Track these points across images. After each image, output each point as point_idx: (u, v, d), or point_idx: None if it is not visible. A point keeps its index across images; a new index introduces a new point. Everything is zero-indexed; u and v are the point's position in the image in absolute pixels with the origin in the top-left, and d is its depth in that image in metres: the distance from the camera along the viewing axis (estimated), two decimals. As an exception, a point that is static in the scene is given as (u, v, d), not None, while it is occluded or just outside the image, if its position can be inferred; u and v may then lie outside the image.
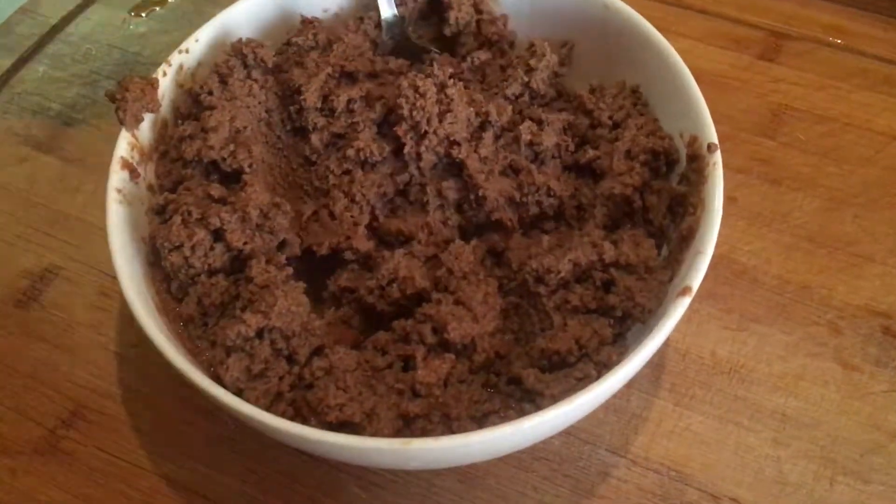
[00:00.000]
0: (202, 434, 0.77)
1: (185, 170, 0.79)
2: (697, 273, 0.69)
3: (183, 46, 0.84)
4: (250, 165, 0.78)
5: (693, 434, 0.76)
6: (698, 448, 0.75)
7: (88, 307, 0.89)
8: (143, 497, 0.73)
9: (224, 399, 0.64)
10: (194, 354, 0.72)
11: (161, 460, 0.76)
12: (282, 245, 0.76)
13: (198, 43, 0.86)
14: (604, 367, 0.69)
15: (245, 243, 0.70)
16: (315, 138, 0.82)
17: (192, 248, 0.70)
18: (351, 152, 0.75)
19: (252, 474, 0.77)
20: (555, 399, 0.66)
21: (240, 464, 0.75)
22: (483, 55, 0.87)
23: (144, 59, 1.08)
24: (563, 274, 0.72)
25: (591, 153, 0.81)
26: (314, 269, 0.75)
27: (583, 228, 0.79)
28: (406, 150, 0.75)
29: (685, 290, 0.68)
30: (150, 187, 0.80)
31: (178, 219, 0.73)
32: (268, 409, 0.66)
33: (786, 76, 1.05)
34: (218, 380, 0.67)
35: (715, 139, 0.75)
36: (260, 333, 0.65)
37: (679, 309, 0.67)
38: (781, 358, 0.83)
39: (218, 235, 0.70)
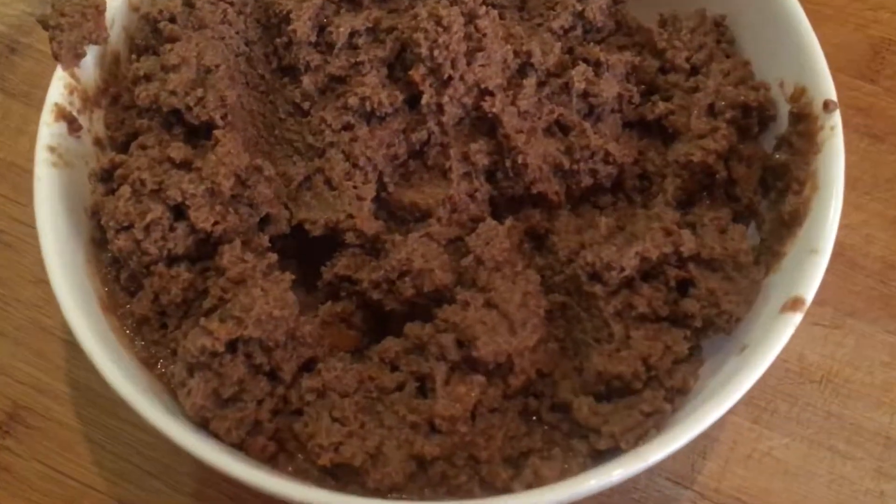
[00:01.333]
0: (168, 448, 0.64)
1: (141, 120, 0.62)
2: (810, 281, 0.53)
3: (138, -43, 0.66)
4: (223, 116, 0.62)
5: (775, 461, 0.65)
6: (782, 479, 0.64)
7: (33, 281, 0.74)
8: (93, 524, 0.63)
9: (179, 439, 0.51)
10: (149, 366, 0.58)
11: (117, 479, 0.65)
12: (264, 221, 0.61)
13: (158, -48, 0.67)
14: (677, 394, 0.56)
15: (215, 223, 0.58)
16: (308, 81, 0.65)
17: (146, 228, 0.57)
18: (353, 101, 0.62)
19: (228, 500, 0.65)
20: (614, 438, 0.53)
21: (213, 487, 0.65)
22: (523, -27, 0.69)
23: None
24: (627, 271, 0.57)
25: (661, 107, 0.65)
26: (306, 248, 0.63)
27: (648, 204, 0.64)
28: (424, 100, 0.61)
29: (795, 304, 0.52)
30: (97, 142, 0.65)
31: (126, 190, 0.57)
32: (242, 443, 0.54)
33: (889, 3, 0.86)
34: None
35: (833, 94, 0.58)
36: (232, 346, 0.53)
37: (786, 329, 0.52)
38: (886, 365, 0.69)
39: (180, 212, 0.57)
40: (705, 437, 0.65)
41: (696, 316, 0.56)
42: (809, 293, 0.52)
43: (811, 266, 0.53)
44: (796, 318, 0.52)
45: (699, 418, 0.50)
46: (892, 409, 0.66)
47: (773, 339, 0.51)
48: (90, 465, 0.66)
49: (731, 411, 0.64)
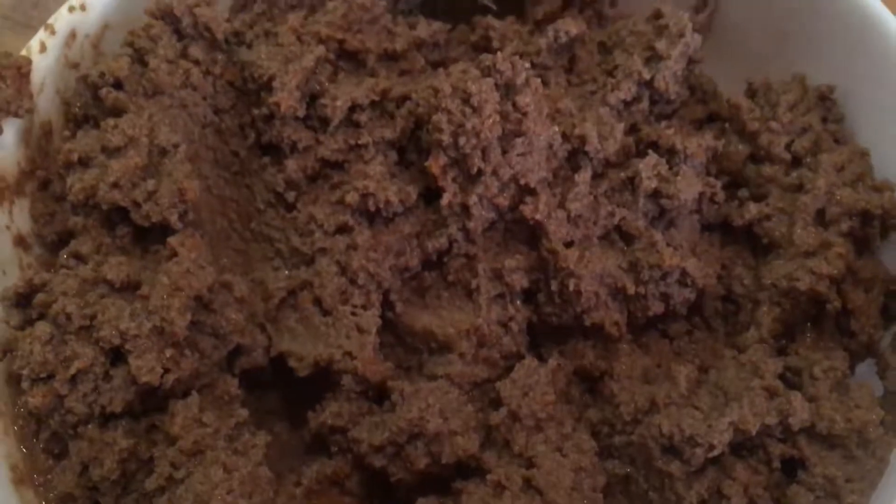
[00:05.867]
0: None
1: (75, 217, 0.48)
2: None
3: (75, 0, 0.51)
4: (182, 215, 0.48)
5: None
6: None
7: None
8: None
9: None
10: None
11: None
12: (234, 353, 0.48)
13: (102, -6, 0.52)
14: None
15: (165, 372, 0.44)
16: (293, 166, 0.52)
17: (72, 380, 0.44)
18: (352, 198, 0.49)
19: None
20: None
21: None
22: (572, 27, 0.54)
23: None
24: (717, 449, 0.43)
25: (753, 209, 0.51)
26: (289, 375, 0.49)
27: (736, 339, 0.50)
28: (445, 199, 0.49)
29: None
30: (20, 241, 0.51)
31: (45, 329, 0.45)
32: None
33: None
34: None
35: None
36: None
37: None
38: None
39: (118, 355, 0.44)
40: None
41: (809, 510, 0.42)
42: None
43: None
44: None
45: None
46: None
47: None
48: None
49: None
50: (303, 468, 0.47)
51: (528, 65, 0.48)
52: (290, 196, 0.51)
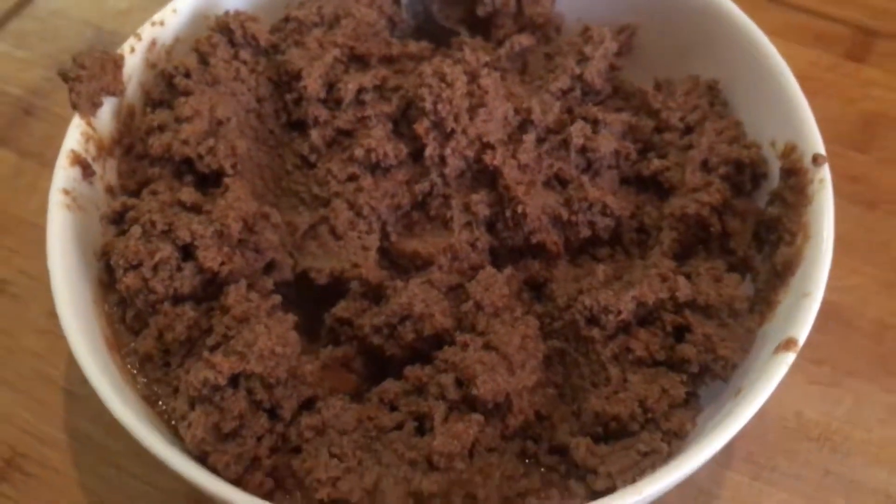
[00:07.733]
0: (166, 496, 0.65)
1: (153, 168, 0.64)
2: (803, 322, 0.54)
3: (157, 17, 0.69)
4: (233, 165, 0.64)
5: (775, 517, 0.65)
6: (782, 536, 0.65)
7: (36, 331, 0.74)
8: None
9: (179, 467, 0.51)
10: (151, 403, 0.58)
11: (113, 528, 0.65)
12: (269, 267, 0.62)
13: (175, 14, 0.71)
14: (674, 437, 0.55)
15: (222, 264, 0.58)
16: (315, 134, 0.67)
17: (154, 267, 0.57)
18: (359, 153, 0.64)
19: (223, 550, 0.63)
20: (612, 478, 0.53)
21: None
22: (525, 40, 0.72)
23: (122, 38, 0.92)
24: (623, 315, 0.58)
25: (657, 163, 0.67)
26: (310, 297, 0.64)
27: (645, 256, 0.65)
28: (427, 152, 0.63)
29: (788, 344, 0.53)
30: (108, 189, 0.66)
31: (137, 230, 0.58)
32: (240, 479, 0.54)
33: (878, 79, 0.90)
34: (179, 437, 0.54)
35: (821, 149, 0.60)
36: (234, 381, 0.54)
37: (780, 368, 0.53)
38: (883, 422, 0.69)
39: (188, 253, 0.58)
40: (705, 493, 0.65)
41: (693, 361, 0.57)
42: (802, 333, 0.53)
43: (803, 308, 0.54)
44: (789, 358, 0.52)
45: (693, 455, 0.50)
46: (890, 466, 0.66)
47: (766, 379, 0.52)
48: (86, 513, 0.66)
49: (730, 468, 0.65)
50: (319, 350, 0.61)
51: (487, 58, 0.66)
52: (313, 158, 0.67)
